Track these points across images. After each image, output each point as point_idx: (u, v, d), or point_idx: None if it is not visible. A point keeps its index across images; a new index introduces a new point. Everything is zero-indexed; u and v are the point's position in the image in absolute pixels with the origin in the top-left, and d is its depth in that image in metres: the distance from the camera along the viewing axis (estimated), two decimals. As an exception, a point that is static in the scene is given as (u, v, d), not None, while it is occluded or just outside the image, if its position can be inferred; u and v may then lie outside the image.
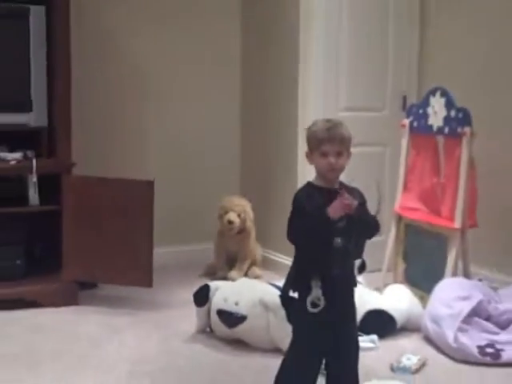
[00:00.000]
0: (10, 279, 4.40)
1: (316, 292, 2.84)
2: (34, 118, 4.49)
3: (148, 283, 4.42)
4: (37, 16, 4.39)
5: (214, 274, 4.95)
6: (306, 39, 4.90)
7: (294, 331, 3.02)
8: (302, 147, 4.86)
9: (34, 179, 4.39)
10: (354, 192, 2.85)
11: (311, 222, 2.78)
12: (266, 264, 5.16)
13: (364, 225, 2.86)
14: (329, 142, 2.88)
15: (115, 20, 5.09)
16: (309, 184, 2.97)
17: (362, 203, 2.86)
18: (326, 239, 2.80)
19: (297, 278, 2.95)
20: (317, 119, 3.02)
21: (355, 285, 2.98)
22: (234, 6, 5.50)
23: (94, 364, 3.64)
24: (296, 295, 2.95)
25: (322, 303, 2.83)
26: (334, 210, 2.71)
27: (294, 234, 2.90)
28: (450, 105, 4.34)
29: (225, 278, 4.63)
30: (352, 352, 2.98)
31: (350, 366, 2.98)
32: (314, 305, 2.84)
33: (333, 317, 2.85)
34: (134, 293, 4.57)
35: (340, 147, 2.88)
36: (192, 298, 4.05)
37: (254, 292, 3.86)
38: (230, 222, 4.92)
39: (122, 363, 3.64)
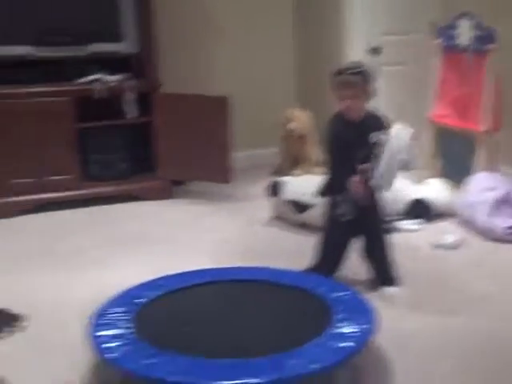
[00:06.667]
0: (118, 179, 4.41)
1: (345, 206, 2.87)
2: (126, 46, 4.42)
3: (227, 179, 4.37)
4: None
5: (281, 172, 4.85)
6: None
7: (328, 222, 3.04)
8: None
9: (132, 96, 4.31)
10: (378, 120, 2.83)
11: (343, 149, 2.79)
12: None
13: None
14: (343, 87, 2.76)
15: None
16: (339, 115, 2.85)
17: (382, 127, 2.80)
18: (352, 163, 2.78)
19: (330, 189, 2.98)
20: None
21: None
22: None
23: (184, 243, 3.63)
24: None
25: (349, 214, 2.88)
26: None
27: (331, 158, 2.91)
28: (476, 26, 4.12)
29: (290, 175, 4.52)
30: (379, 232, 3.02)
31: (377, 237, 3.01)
32: (343, 215, 2.89)
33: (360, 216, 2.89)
34: (216, 188, 4.53)
35: (353, 91, 2.74)
36: (265, 192, 3.98)
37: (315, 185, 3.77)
38: (291, 130, 4.80)
39: (208, 243, 3.62)
